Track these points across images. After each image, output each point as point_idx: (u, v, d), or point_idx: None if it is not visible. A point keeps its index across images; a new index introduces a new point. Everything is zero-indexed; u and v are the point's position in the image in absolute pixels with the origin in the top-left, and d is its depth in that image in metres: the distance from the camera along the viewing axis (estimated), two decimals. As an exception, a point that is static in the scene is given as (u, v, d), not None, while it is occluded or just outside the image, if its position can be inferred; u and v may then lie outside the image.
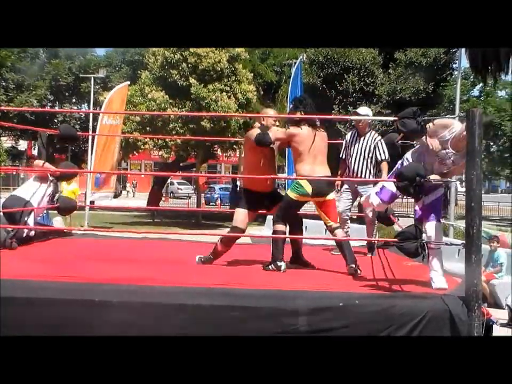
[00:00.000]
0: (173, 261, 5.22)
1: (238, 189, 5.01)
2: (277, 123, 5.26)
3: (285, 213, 5.12)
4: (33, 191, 5.98)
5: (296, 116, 5.11)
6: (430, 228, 4.24)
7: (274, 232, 5.07)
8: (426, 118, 4.40)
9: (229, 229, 5.36)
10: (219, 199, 36.00)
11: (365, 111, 6.74)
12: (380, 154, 6.36)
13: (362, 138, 6.39)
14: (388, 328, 3.57)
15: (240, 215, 5.17)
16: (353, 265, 4.89)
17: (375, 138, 6.41)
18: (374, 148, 6.35)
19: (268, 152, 5.17)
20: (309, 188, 4.95)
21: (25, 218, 5.67)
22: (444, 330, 3.58)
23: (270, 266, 4.96)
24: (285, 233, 5.13)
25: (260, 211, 5.54)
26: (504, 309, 8.84)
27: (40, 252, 5.69)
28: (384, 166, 6.37)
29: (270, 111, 5.46)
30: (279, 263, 4.91)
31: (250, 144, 5.15)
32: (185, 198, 36.91)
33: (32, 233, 5.95)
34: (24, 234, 5.78)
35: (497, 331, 4.19)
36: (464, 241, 3.78)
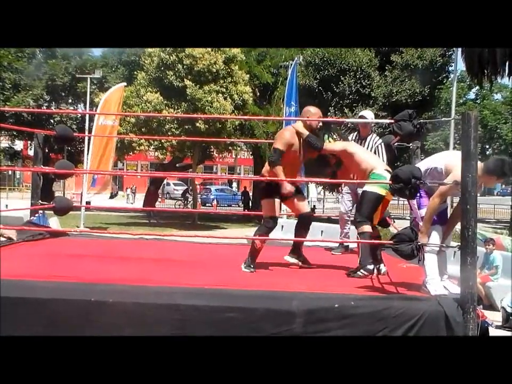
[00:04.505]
0: (168, 261, 5.21)
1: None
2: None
3: (371, 210, 4.86)
4: None
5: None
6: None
7: (361, 234, 4.82)
8: (422, 120, 4.39)
9: (260, 225, 5.24)
10: (215, 200, 36.03)
11: (370, 115, 6.70)
12: (381, 157, 6.42)
13: (364, 141, 6.41)
14: (383, 330, 3.56)
15: (270, 205, 5.14)
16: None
17: (376, 141, 6.44)
18: (375, 150, 6.39)
19: (298, 154, 5.13)
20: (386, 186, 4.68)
21: None
22: (439, 332, 3.57)
23: (359, 273, 4.78)
24: (371, 234, 4.84)
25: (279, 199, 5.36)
26: (499, 311, 8.88)
27: (35, 251, 5.68)
28: None
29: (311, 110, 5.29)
30: (369, 267, 4.74)
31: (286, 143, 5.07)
32: (181, 199, 36.88)
33: None
34: None
35: (492, 333, 4.19)
36: (459, 244, 3.78)
